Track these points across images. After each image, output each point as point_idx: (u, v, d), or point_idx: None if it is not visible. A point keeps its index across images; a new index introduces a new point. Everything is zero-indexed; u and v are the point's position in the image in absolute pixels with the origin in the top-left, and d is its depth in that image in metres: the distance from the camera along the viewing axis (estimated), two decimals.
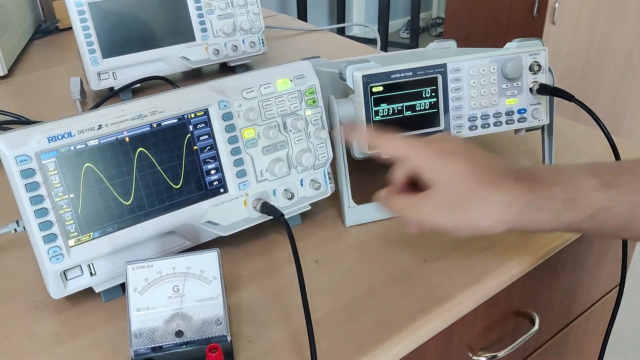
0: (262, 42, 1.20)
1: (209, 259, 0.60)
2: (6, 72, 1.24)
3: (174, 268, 0.59)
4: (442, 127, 0.77)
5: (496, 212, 0.57)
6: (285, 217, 0.76)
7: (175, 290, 0.59)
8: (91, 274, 0.65)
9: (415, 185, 0.64)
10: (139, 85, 1.11)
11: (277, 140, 0.72)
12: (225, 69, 1.23)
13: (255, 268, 0.72)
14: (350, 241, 0.77)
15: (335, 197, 0.80)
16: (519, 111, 0.79)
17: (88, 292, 0.67)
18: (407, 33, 4.16)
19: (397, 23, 4.43)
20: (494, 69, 0.77)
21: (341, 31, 3.52)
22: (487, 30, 2.80)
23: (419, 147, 0.62)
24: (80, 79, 1.13)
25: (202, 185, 0.69)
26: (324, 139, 0.75)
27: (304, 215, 0.80)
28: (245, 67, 1.22)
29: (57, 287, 0.63)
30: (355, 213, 0.78)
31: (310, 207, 0.78)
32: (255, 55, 1.20)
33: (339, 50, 1.39)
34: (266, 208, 0.70)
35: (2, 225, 0.70)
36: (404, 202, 0.63)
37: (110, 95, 1.12)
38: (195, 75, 1.22)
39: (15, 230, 0.68)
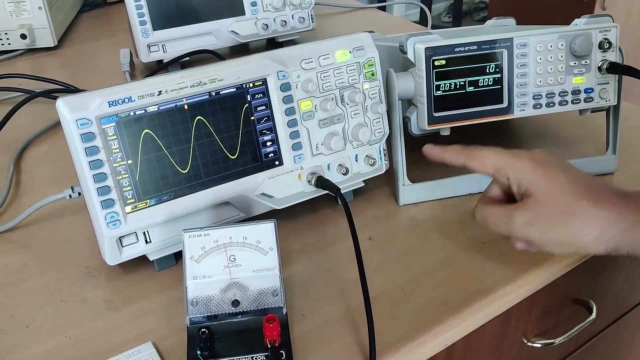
0: (312, 18, 1.18)
1: (266, 230, 0.59)
2: (56, 43, 1.25)
3: (230, 237, 0.58)
4: (505, 104, 0.74)
5: (599, 228, 0.53)
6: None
7: (231, 259, 0.58)
8: (146, 241, 0.64)
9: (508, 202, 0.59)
10: (187, 58, 1.11)
11: (334, 113, 0.70)
12: (273, 45, 1.21)
13: (308, 243, 0.71)
14: (404, 220, 0.75)
15: (389, 174, 0.78)
16: (585, 90, 0.75)
17: (141, 261, 0.67)
18: (449, 17, 4.08)
19: (439, 7, 4.34)
20: (562, 45, 0.73)
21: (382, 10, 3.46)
22: (532, 16, 2.72)
23: (514, 157, 0.58)
24: (130, 51, 1.13)
25: (258, 156, 0.68)
26: (381, 113, 0.73)
27: (356, 192, 0.78)
28: (293, 43, 1.20)
29: (112, 254, 0.63)
30: (410, 191, 0.76)
31: (363, 184, 0.76)
32: (304, 31, 1.18)
33: (388, 28, 1.36)
34: (321, 182, 0.69)
35: (57, 191, 0.70)
36: (494, 210, 0.58)
37: (159, 68, 1.11)
38: (242, 51, 1.21)
39: (70, 196, 0.69)
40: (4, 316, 0.62)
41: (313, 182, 0.70)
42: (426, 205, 0.77)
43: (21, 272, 0.68)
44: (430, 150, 0.64)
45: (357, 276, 0.61)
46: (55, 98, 1.02)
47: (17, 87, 1.04)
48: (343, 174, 0.72)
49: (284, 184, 0.69)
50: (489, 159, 0.59)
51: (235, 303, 0.56)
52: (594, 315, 0.79)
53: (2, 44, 1.22)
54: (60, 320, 0.62)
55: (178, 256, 0.68)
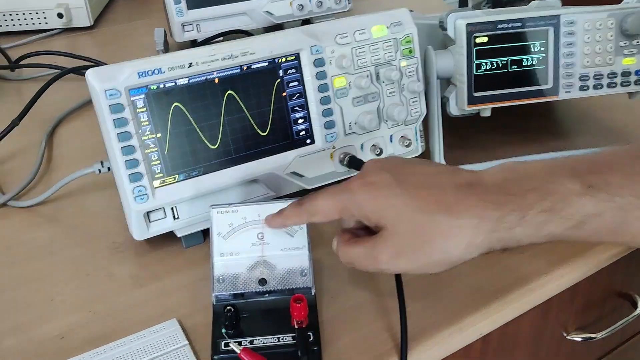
0: None
1: None
2: (92, 23, 1.25)
3: (259, 215, 0.57)
4: (549, 84, 0.70)
5: (463, 239, 0.47)
6: None
7: (259, 237, 0.56)
8: (174, 217, 0.63)
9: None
10: (221, 39, 1.09)
11: (368, 91, 0.68)
12: None
13: (338, 225, 0.69)
14: None
15: (425, 157, 0.75)
16: (636, 72, 0.71)
17: (169, 237, 0.65)
18: (489, 7, 3.99)
19: None
20: (611, 24, 0.69)
21: None
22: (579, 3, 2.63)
23: (349, 193, 0.52)
24: (164, 31, 1.12)
25: (289, 134, 0.66)
26: (418, 92, 0.70)
27: None
28: None
29: (140, 229, 0.62)
30: None
31: None
32: (340, 13, 1.15)
33: (427, 10, 1.32)
34: (354, 162, 0.66)
35: (86, 166, 0.69)
36: (356, 252, 0.52)
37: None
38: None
39: (100, 170, 0.68)
40: (29, 289, 0.62)
41: (345, 162, 0.67)
42: None
43: (48, 246, 0.68)
44: (271, 222, 0.56)
45: None
46: None
47: (51, 64, 1.05)
48: (377, 154, 0.69)
49: (315, 163, 0.67)
50: (327, 207, 0.53)
51: (263, 282, 0.54)
52: (639, 310, 0.75)
53: (39, 23, 1.23)
54: (85, 294, 0.61)
55: (206, 234, 0.67)
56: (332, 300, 0.58)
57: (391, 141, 0.71)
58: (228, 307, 0.52)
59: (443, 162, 0.73)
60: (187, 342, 0.53)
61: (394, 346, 0.54)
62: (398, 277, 0.55)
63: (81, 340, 0.55)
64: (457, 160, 0.74)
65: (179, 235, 0.64)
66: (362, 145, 0.69)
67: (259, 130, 0.64)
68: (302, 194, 0.68)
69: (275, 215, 0.56)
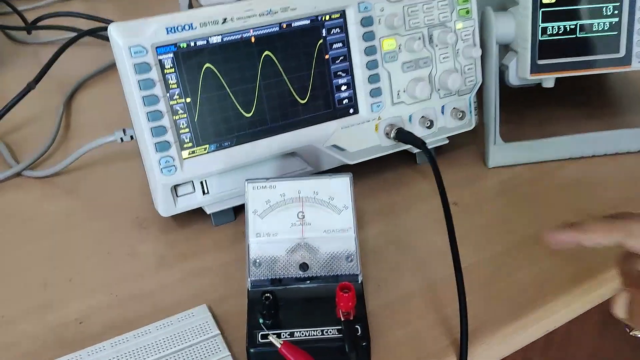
0: None
1: (340, 185, 0.51)
2: None
3: (299, 192, 0.50)
4: (621, 53, 0.62)
5: None
6: (415, 151, 0.66)
7: (300, 216, 0.50)
8: (204, 192, 0.57)
9: None
10: None
11: (420, 55, 0.61)
12: None
13: (382, 204, 0.62)
14: (493, 185, 0.65)
15: (477, 132, 0.68)
16: None
17: (197, 214, 0.60)
18: None
19: None
20: None
21: None
22: None
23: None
24: None
25: (331, 102, 0.59)
26: (474, 59, 0.63)
27: (437, 150, 0.68)
28: None
29: (166, 204, 0.56)
30: (502, 152, 0.66)
31: (447, 141, 0.67)
32: None
33: None
34: (402, 135, 0.60)
35: (108, 134, 0.63)
36: None
37: None
38: None
39: (122, 139, 0.62)
40: (46, 267, 0.57)
41: (392, 135, 0.61)
42: (519, 168, 0.67)
43: (66, 220, 0.63)
44: (560, 236, 0.45)
45: (441, 244, 0.53)
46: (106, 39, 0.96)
47: (69, 27, 0.99)
48: (427, 127, 0.62)
49: (358, 136, 0.61)
50: (613, 226, 0.43)
51: (304, 267, 0.48)
52: None
53: None
54: (106, 274, 0.55)
55: (238, 211, 0.61)
56: (379, 289, 0.52)
57: (442, 113, 0.64)
58: (266, 295, 0.46)
59: (498, 137, 0.66)
60: (218, 331, 0.48)
61: (450, 343, 0.47)
62: (458, 266, 0.49)
63: (101, 326, 0.50)
64: (515, 134, 0.67)
65: (208, 212, 0.58)
66: (410, 117, 0.62)
67: (297, 97, 0.58)
68: (342, 170, 0.62)
69: (571, 229, 0.45)
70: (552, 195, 0.63)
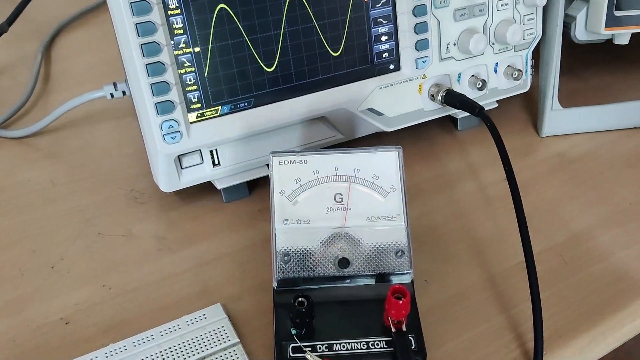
0: None
1: (387, 161, 0.41)
2: None
3: (336, 168, 0.41)
4: None
5: None
6: (460, 116, 0.56)
7: (337, 199, 0.41)
8: (214, 163, 0.47)
9: None
10: None
11: (475, 1, 0.50)
12: None
13: (421, 180, 0.53)
14: (549, 157, 0.56)
15: (528, 96, 0.59)
16: None
17: (205, 187, 0.50)
18: None
19: None
20: None
21: None
22: None
23: None
24: None
25: (368, 56, 0.49)
26: (536, 7, 0.53)
27: None
28: None
29: (169, 177, 0.46)
30: (559, 119, 0.57)
31: (496, 105, 0.57)
32: None
33: None
34: (453, 98, 0.50)
35: (95, 88, 0.53)
36: None
37: None
38: None
39: (112, 95, 0.52)
40: (23, 250, 0.47)
41: (439, 98, 0.51)
42: (577, 138, 0.57)
43: (47, 191, 0.53)
44: None
45: (498, 229, 0.45)
46: None
47: None
48: (478, 88, 0.52)
49: (398, 98, 0.51)
50: None
51: (343, 263, 0.39)
52: None
53: None
54: (97, 261, 0.46)
55: (252, 186, 0.52)
56: (427, 286, 0.44)
57: (495, 71, 0.54)
58: (300, 298, 0.37)
59: (556, 102, 0.56)
60: (238, 339, 0.39)
61: (518, 355, 0.39)
62: (529, 255, 0.40)
63: (92, 328, 0.41)
64: (575, 99, 0.58)
65: (219, 187, 0.49)
66: (459, 76, 0.52)
67: (329, 49, 0.47)
68: (378, 140, 0.53)
69: None
70: (618, 170, 0.54)
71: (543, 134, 0.57)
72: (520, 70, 0.54)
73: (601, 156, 0.55)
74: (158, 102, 0.42)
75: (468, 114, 0.56)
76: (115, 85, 0.51)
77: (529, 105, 0.61)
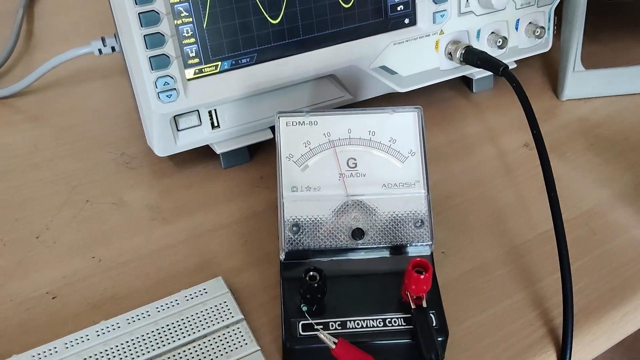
0: None
1: (405, 122, 0.38)
2: None
3: (349, 130, 0.37)
4: None
5: None
6: (476, 77, 0.52)
7: (351, 165, 0.37)
8: (213, 125, 0.43)
9: None
10: None
11: None
12: None
13: (437, 145, 0.49)
14: (571, 121, 0.52)
15: (547, 56, 0.55)
16: None
17: (201, 152, 0.46)
18: None
19: None
20: None
21: None
22: None
23: None
24: None
25: (382, 9, 0.45)
26: None
27: (497, 77, 0.55)
28: None
29: (164, 140, 0.42)
30: (581, 81, 0.53)
31: (515, 65, 0.54)
32: None
33: None
34: (473, 56, 0.46)
35: (81, 44, 0.49)
36: None
37: None
38: None
39: (100, 51, 0.47)
40: (5, 220, 0.43)
41: (457, 56, 0.47)
42: (599, 102, 0.54)
43: (30, 155, 0.49)
44: None
45: (520, 198, 0.42)
46: None
47: None
48: (498, 46, 0.49)
49: (414, 55, 0.47)
50: None
51: (358, 233, 0.36)
52: None
53: None
54: (85, 231, 0.42)
55: (253, 150, 0.48)
56: (445, 259, 0.40)
57: (517, 28, 0.50)
58: (311, 272, 0.34)
59: (578, 63, 0.52)
60: (242, 316, 0.36)
61: (545, 333, 0.36)
62: (558, 222, 0.37)
63: (81, 303, 0.37)
64: (598, 61, 0.54)
65: (218, 151, 0.45)
66: (478, 32, 0.48)
67: (340, 0, 0.43)
68: (388, 102, 0.49)
69: None
70: None
71: (563, 97, 0.54)
72: (542, 27, 0.50)
73: (625, 120, 0.52)
74: (152, 56, 0.38)
75: (484, 74, 0.53)
76: (103, 40, 0.47)
77: (547, 67, 0.58)
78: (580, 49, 0.52)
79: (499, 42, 0.48)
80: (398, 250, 0.36)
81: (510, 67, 0.52)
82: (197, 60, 0.40)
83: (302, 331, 0.33)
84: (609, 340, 0.38)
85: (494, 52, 0.49)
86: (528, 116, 0.40)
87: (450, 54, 0.47)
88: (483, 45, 0.49)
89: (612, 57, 0.57)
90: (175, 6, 0.38)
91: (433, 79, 0.48)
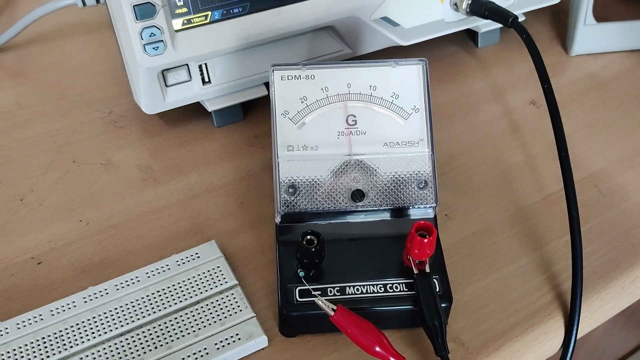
0: None
1: (409, 76, 0.35)
2: None
3: (349, 85, 0.35)
4: None
5: None
6: (482, 31, 0.50)
7: (350, 122, 0.35)
8: (203, 81, 0.41)
9: None
10: None
11: None
12: None
13: (441, 103, 0.47)
14: (579, 78, 0.50)
15: (555, 10, 0.53)
16: None
17: (193, 109, 0.44)
18: None
19: None
20: None
21: None
22: None
23: None
24: None
25: None
26: None
27: (504, 31, 0.53)
28: None
29: (151, 96, 0.40)
30: (591, 35, 0.50)
31: (524, 18, 0.51)
32: None
33: None
34: (481, 6, 0.43)
35: None
36: None
37: None
38: None
39: (84, 3, 0.45)
40: None
41: (464, 7, 0.44)
42: (609, 57, 0.51)
43: (14, 113, 0.46)
44: None
45: (522, 160, 0.40)
46: None
47: None
48: None
49: (417, 6, 0.44)
50: None
51: (358, 195, 0.34)
52: None
53: None
54: (72, 193, 0.40)
55: (247, 108, 0.46)
56: (448, 221, 0.39)
57: None
58: (309, 236, 0.32)
59: (589, 15, 0.50)
60: (236, 281, 0.34)
61: (553, 299, 0.35)
62: (570, 189, 0.35)
63: (68, 268, 0.36)
64: (609, 14, 0.51)
65: (209, 108, 0.42)
66: None
67: None
68: (392, 53, 0.46)
69: None
70: None
71: (573, 52, 0.51)
72: None
73: (637, 77, 0.50)
74: (136, 5, 0.35)
75: (491, 27, 0.50)
76: None
77: (556, 21, 0.55)
78: (592, 0, 0.49)
79: None
80: (400, 212, 0.34)
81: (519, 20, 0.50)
82: (185, 9, 0.37)
83: (299, 297, 0.32)
84: (617, 306, 0.36)
85: (502, 3, 0.46)
86: (538, 69, 0.38)
87: (456, 4, 0.44)
88: None
89: (624, 10, 0.54)
90: None
91: (438, 32, 0.46)
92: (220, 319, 0.32)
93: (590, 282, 0.35)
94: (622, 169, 0.42)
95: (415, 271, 0.32)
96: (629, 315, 0.54)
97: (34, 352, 0.31)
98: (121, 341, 0.31)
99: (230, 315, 0.33)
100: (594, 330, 0.37)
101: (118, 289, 0.34)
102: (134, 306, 0.33)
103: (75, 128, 0.45)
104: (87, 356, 0.31)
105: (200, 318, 0.32)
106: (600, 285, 0.36)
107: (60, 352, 0.31)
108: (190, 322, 0.32)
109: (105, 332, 0.32)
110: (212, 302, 0.33)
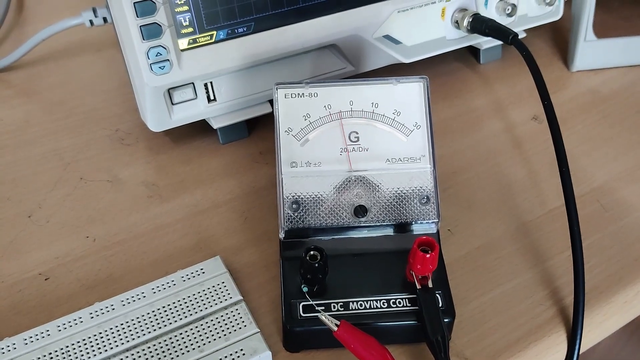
0: None
1: (410, 93, 0.36)
2: None
3: (351, 102, 0.35)
4: None
5: None
6: (484, 47, 0.51)
7: (353, 139, 0.35)
8: (209, 99, 0.42)
9: None
10: None
11: None
12: None
13: (443, 119, 0.48)
14: (581, 93, 0.50)
15: (556, 27, 0.53)
16: None
17: (198, 128, 0.45)
18: None
19: None
20: None
21: None
22: None
23: None
24: None
25: None
26: None
27: (506, 47, 0.53)
28: None
29: (158, 114, 0.41)
30: (592, 51, 0.51)
31: (524, 35, 0.51)
32: None
33: None
34: (481, 24, 0.44)
35: (72, 15, 0.47)
36: None
37: None
38: None
39: (92, 22, 0.45)
40: None
41: (465, 24, 0.45)
42: (610, 73, 0.52)
43: (22, 131, 0.47)
44: None
45: (524, 175, 0.40)
46: None
47: None
48: (507, 14, 0.46)
49: (419, 24, 0.45)
50: None
51: (361, 210, 0.34)
52: None
53: None
54: (79, 209, 0.41)
55: (252, 125, 0.46)
56: (450, 236, 0.39)
57: None
58: (312, 252, 0.32)
59: (590, 32, 0.50)
60: (241, 297, 0.34)
61: (555, 313, 0.35)
62: (571, 204, 0.35)
63: (75, 284, 0.36)
64: (610, 30, 0.52)
65: (215, 126, 0.43)
66: (486, 0, 0.46)
67: None
68: (395, 70, 0.47)
69: None
70: None
71: (574, 68, 0.52)
72: None
73: (638, 92, 0.50)
74: (143, 25, 0.36)
75: (492, 44, 0.51)
76: (95, 10, 0.45)
77: (557, 37, 0.55)
78: (592, 16, 0.50)
79: (508, 9, 0.46)
80: (402, 228, 0.35)
81: (520, 37, 0.51)
82: (190, 29, 0.38)
83: (303, 312, 0.32)
84: (620, 320, 0.37)
85: (503, 21, 0.47)
86: (539, 86, 0.38)
87: (457, 22, 0.45)
88: (491, 13, 0.46)
89: (625, 25, 0.55)
90: None
91: (439, 49, 0.46)
92: (225, 335, 0.33)
93: (592, 296, 0.36)
94: (624, 183, 0.43)
95: (418, 286, 0.33)
96: (634, 329, 0.54)
97: None
98: (127, 356, 0.32)
99: (235, 330, 0.33)
100: (598, 345, 0.38)
101: (124, 305, 0.34)
102: (139, 322, 0.33)
103: (83, 145, 0.46)
104: None
105: (205, 333, 0.33)
106: (602, 299, 0.36)
107: None
108: (195, 338, 0.32)
109: (112, 348, 0.32)
110: (217, 318, 0.33)
